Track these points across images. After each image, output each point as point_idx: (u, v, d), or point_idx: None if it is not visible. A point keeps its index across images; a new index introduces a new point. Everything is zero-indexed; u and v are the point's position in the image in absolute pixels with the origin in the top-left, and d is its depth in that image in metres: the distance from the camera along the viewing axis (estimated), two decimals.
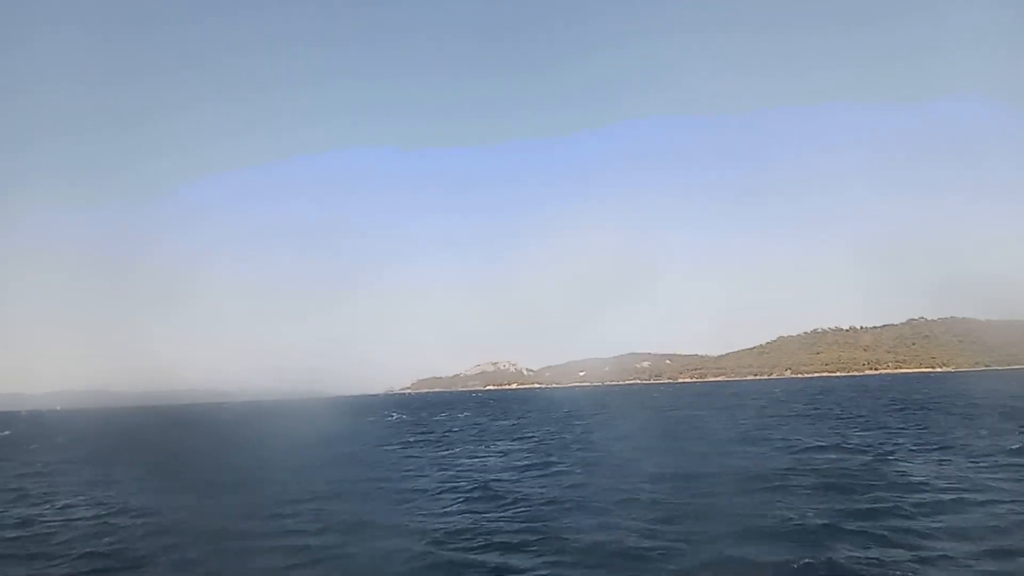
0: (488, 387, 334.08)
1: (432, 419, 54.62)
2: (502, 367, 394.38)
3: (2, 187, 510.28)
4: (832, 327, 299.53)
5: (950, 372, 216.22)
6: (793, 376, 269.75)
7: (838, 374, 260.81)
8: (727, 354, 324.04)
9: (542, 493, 15.68)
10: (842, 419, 34.33)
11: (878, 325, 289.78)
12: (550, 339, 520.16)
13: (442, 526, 12.75)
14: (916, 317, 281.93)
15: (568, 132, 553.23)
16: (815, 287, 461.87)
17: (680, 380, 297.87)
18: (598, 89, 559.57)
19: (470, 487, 16.88)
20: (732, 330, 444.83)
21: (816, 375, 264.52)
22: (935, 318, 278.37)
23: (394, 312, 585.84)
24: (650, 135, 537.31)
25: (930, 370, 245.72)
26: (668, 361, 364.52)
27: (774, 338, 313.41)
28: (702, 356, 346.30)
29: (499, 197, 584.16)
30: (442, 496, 16.08)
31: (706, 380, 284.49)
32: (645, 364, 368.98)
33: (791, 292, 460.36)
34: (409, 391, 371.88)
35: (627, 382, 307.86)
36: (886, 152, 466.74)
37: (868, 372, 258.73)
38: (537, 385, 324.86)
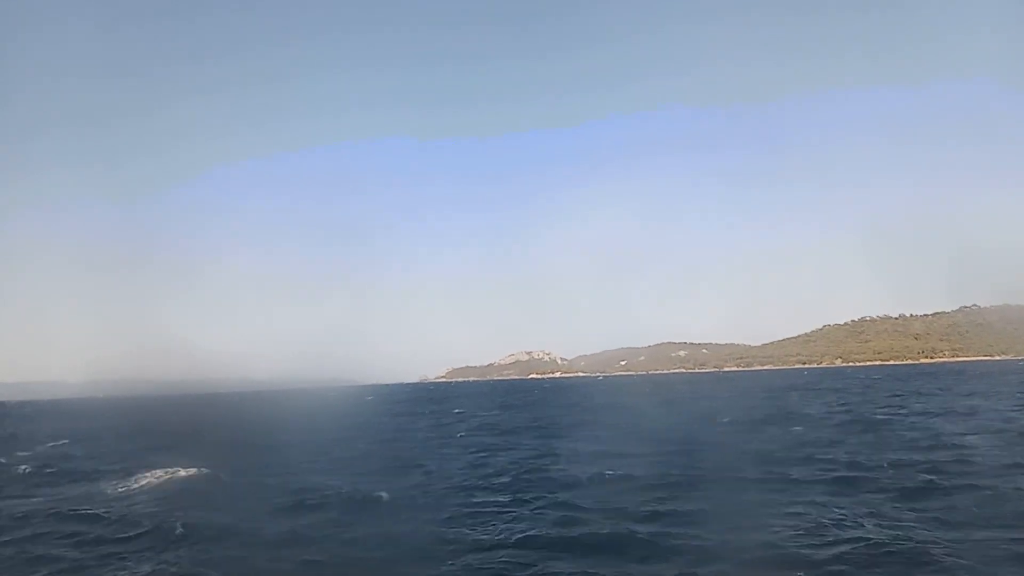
0: (531, 375, 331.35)
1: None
2: (536, 356, 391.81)
3: (26, 182, 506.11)
4: (880, 315, 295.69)
5: (1012, 360, 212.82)
6: (844, 364, 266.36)
7: (891, 362, 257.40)
8: (770, 343, 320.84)
9: None
10: None
11: (929, 313, 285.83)
12: (580, 329, 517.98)
13: None
14: (968, 304, 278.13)
15: (600, 116, 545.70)
16: (857, 276, 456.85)
17: (726, 369, 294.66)
18: (621, 74, 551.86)
19: None
20: (766, 319, 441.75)
21: (868, 363, 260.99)
22: (988, 305, 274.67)
23: (424, 302, 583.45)
24: (675, 121, 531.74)
25: (988, 358, 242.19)
26: (704, 350, 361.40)
27: (819, 326, 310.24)
28: (738, 345, 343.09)
29: (525, 186, 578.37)
30: None
31: (752, 368, 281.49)
32: (681, 353, 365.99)
33: (832, 281, 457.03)
34: (444, 380, 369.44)
35: (672, 371, 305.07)
36: (925, 138, 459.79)
37: (923, 361, 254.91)
38: (582, 374, 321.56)
